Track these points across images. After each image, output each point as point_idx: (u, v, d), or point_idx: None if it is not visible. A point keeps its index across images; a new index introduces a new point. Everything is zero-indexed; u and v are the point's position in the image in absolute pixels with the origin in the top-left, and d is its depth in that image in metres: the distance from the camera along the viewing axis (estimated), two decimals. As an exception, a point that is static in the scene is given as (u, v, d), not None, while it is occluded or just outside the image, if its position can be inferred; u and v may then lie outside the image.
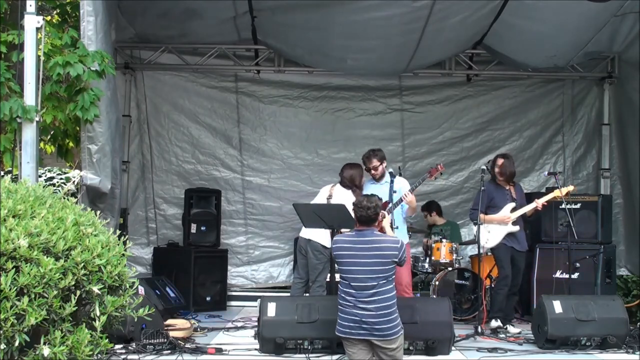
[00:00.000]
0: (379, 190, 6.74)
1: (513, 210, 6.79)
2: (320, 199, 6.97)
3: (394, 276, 4.78)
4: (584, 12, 7.12)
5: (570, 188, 6.94)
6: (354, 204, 4.99)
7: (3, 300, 3.69)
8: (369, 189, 6.90)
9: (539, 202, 6.78)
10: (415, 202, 6.71)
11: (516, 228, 6.79)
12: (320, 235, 6.62)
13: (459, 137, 9.34)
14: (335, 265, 5.26)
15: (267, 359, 5.48)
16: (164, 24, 7.98)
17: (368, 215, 4.82)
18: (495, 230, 6.78)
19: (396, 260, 4.75)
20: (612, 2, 6.87)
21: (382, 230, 5.39)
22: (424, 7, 6.89)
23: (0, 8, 6.12)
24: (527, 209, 6.80)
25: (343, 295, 4.79)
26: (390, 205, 6.60)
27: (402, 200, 6.55)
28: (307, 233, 6.71)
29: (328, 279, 6.60)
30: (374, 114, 9.33)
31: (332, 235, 6.37)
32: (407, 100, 9.38)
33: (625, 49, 8.46)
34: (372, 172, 6.86)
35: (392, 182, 6.74)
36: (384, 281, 4.69)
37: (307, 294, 6.76)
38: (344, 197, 6.66)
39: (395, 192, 6.64)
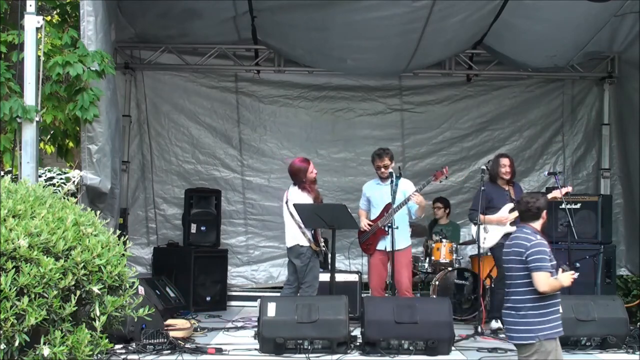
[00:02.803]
0: (384, 190, 6.69)
1: (512, 210, 6.79)
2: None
3: (527, 280, 4.52)
4: (584, 12, 7.12)
5: (569, 189, 6.93)
6: (516, 201, 4.90)
7: (3, 300, 3.69)
8: (374, 189, 6.84)
9: None
10: (424, 202, 6.61)
11: (514, 228, 6.77)
12: (297, 237, 6.43)
13: (459, 137, 9.34)
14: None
15: (267, 359, 5.48)
16: (164, 24, 7.98)
17: (529, 209, 4.70)
18: (493, 230, 6.78)
19: (522, 258, 4.53)
20: (612, 2, 6.87)
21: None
22: (424, 7, 6.89)
23: (0, 8, 6.12)
24: None
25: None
26: (393, 206, 6.54)
27: (407, 202, 6.49)
28: (287, 242, 6.57)
29: (328, 279, 6.58)
30: (374, 114, 9.33)
31: (333, 234, 6.39)
32: (407, 100, 9.38)
33: (625, 49, 8.46)
34: (382, 170, 6.69)
35: (396, 183, 6.64)
36: (517, 281, 4.58)
37: None
38: (297, 197, 6.46)
39: (399, 192, 6.59)
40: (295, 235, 6.42)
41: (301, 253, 6.40)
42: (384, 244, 6.61)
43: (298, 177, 6.51)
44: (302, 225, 6.36)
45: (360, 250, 7.18)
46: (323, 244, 6.57)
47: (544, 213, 4.73)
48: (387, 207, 6.62)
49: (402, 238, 6.54)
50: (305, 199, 6.41)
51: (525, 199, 4.79)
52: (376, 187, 6.82)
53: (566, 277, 4.61)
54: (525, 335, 4.52)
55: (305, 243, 6.39)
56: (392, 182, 6.50)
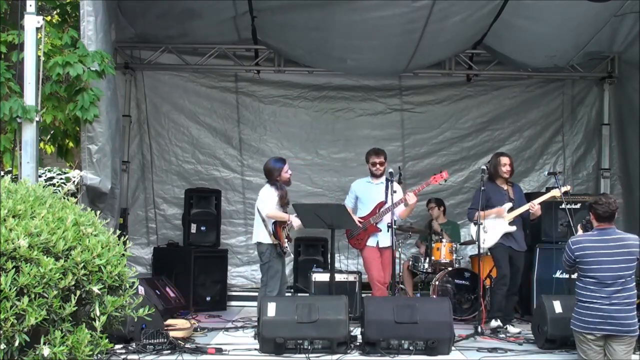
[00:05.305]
0: (375, 189, 6.80)
1: (510, 210, 6.78)
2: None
3: (634, 274, 4.90)
4: (584, 12, 7.12)
5: (567, 188, 6.94)
6: (592, 204, 5.06)
7: (3, 300, 3.70)
8: (365, 187, 6.93)
9: (533, 203, 6.75)
10: (414, 205, 6.69)
11: (513, 228, 6.77)
12: (259, 234, 6.41)
13: (459, 137, 9.35)
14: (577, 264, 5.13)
15: (267, 359, 5.48)
16: (164, 24, 7.99)
17: (611, 210, 4.96)
18: (492, 230, 6.77)
19: (638, 257, 4.90)
20: (612, 2, 6.88)
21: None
22: (424, 7, 6.90)
23: (0, 8, 6.12)
24: (523, 209, 6.79)
25: (587, 292, 4.94)
26: (387, 205, 6.58)
27: (400, 202, 6.54)
28: (253, 238, 6.60)
29: (328, 279, 6.57)
30: (374, 114, 9.34)
31: (332, 234, 6.38)
32: (407, 100, 9.39)
33: (625, 49, 8.47)
34: (378, 166, 6.84)
35: (387, 183, 6.71)
36: (629, 278, 4.86)
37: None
38: (264, 193, 6.51)
39: (395, 192, 6.61)
40: (258, 232, 6.44)
41: (261, 252, 6.42)
42: (375, 240, 6.76)
43: (272, 176, 6.54)
44: (265, 221, 6.33)
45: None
46: (287, 245, 6.47)
47: None
48: (380, 204, 6.70)
49: (388, 236, 6.59)
50: (272, 194, 6.41)
51: (612, 199, 5.02)
52: (367, 185, 6.94)
53: None
54: (637, 327, 4.84)
55: (267, 241, 6.36)
56: (389, 181, 6.54)
